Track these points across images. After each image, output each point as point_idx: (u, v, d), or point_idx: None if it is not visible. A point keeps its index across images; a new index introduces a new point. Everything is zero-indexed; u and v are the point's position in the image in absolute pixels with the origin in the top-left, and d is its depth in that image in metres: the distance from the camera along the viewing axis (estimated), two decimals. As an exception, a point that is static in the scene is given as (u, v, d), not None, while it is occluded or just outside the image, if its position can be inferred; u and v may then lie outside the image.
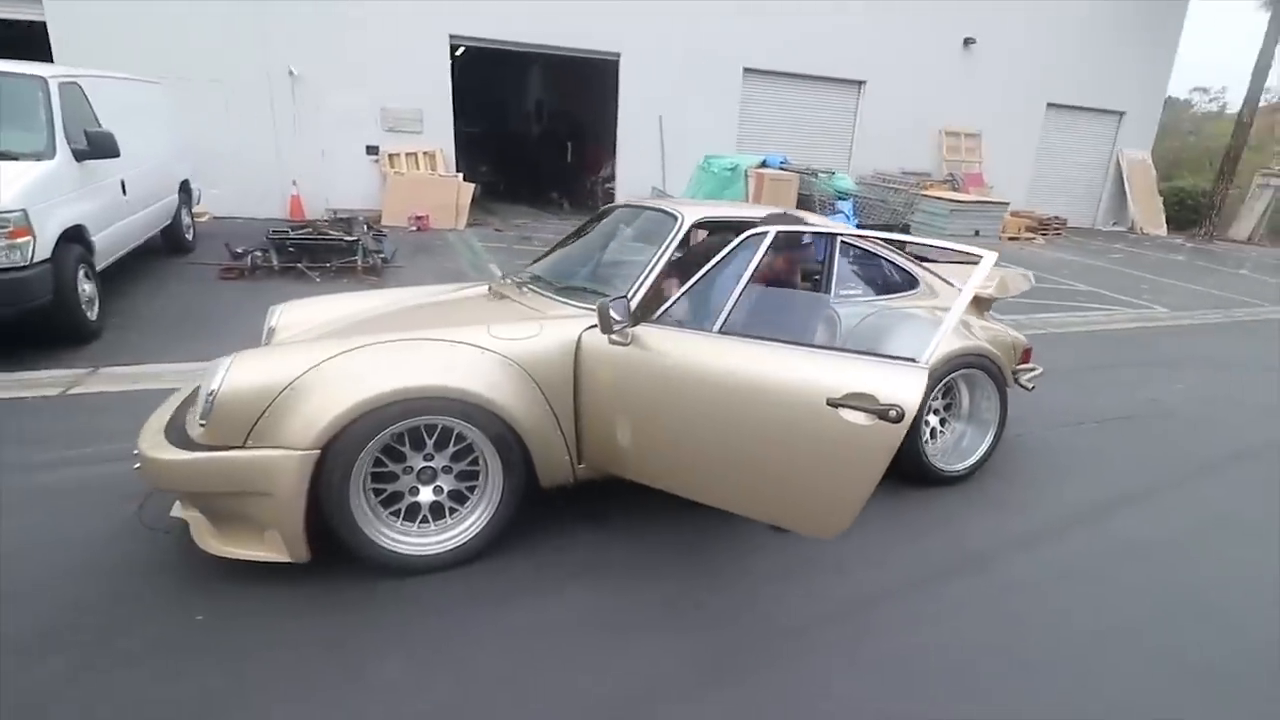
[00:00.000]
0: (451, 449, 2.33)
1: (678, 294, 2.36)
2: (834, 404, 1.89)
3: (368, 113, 10.36)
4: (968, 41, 13.26)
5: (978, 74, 13.51)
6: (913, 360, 1.89)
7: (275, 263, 6.99)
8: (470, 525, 2.37)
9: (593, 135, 14.30)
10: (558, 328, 2.45)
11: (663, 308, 2.35)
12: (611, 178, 12.66)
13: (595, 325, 2.40)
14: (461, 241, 9.50)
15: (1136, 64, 14.58)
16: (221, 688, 1.86)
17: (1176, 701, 2.00)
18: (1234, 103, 15.80)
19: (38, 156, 4.61)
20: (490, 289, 3.25)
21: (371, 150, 10.56)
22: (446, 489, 2.37)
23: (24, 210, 4.18)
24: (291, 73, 9.69)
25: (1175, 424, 4.20)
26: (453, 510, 2.39)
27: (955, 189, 12.12)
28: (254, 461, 2.07)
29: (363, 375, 2.14)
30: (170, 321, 5.40)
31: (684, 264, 2.78)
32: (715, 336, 2.19)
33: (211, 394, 2.06)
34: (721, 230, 2.88)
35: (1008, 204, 10.47)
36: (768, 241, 2.31)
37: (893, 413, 1.80)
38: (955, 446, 3.25)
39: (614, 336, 2.30)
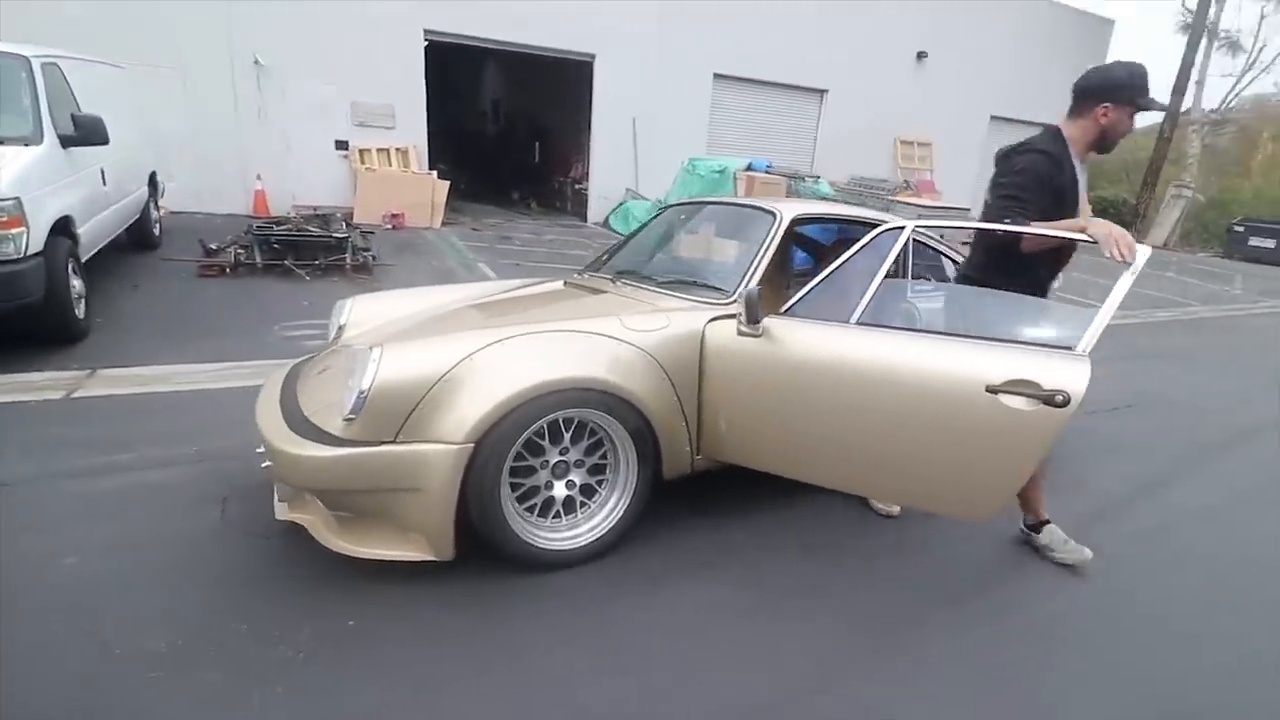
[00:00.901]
0: (585, 442, 2.30)
1: (809, 287, 2.40)
2: (993, 390, 1.98)
3: (337, 106, 9.96)
4: (920, 55, 13.93)
5: (929, 86, 14.20)
6: (1069, 349, 2.01)
7: (258, 259, 6.65)
8: (605, 518, 2.35)
9: (559, 135, 14.22)
10: (684, 319, 2.46)
11: (792, 301, 2.40)
12: (582, 179, 12.63)
13: (719, 317, 2.44)
14: (442, 240, 9.28)
15: (1067, 81, 15.62)
16: (398, 688, 1.78)
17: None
18: (1155, 118, 17.18)
19: (25, 141, 4.24)
20: (567, 283, 3.22)
21: (341, 145, 10.16)
22: (579, 483, 2.33)
23: (18, 199, 3.84)
24: (258, 61, 9.21)
25: (1175, 411, 4.56)
26: (582, 504, 2.36)
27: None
28: (407, 457, 1.99)
29: (515, 367, 2.10)
30: (157, 320, 5.07)
31: (781, 259, 2.85)
32: (854, 328, 2.24)
33: (364, 389, 1.97)
34: (816, 224, 2.96)
35: (969, 209, 11.07)
36: (904, 238, 2.39)
37: (1059, 398, 1.90)
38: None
39: (746, 328, 2.33)
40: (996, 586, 2.45)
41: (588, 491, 2.36)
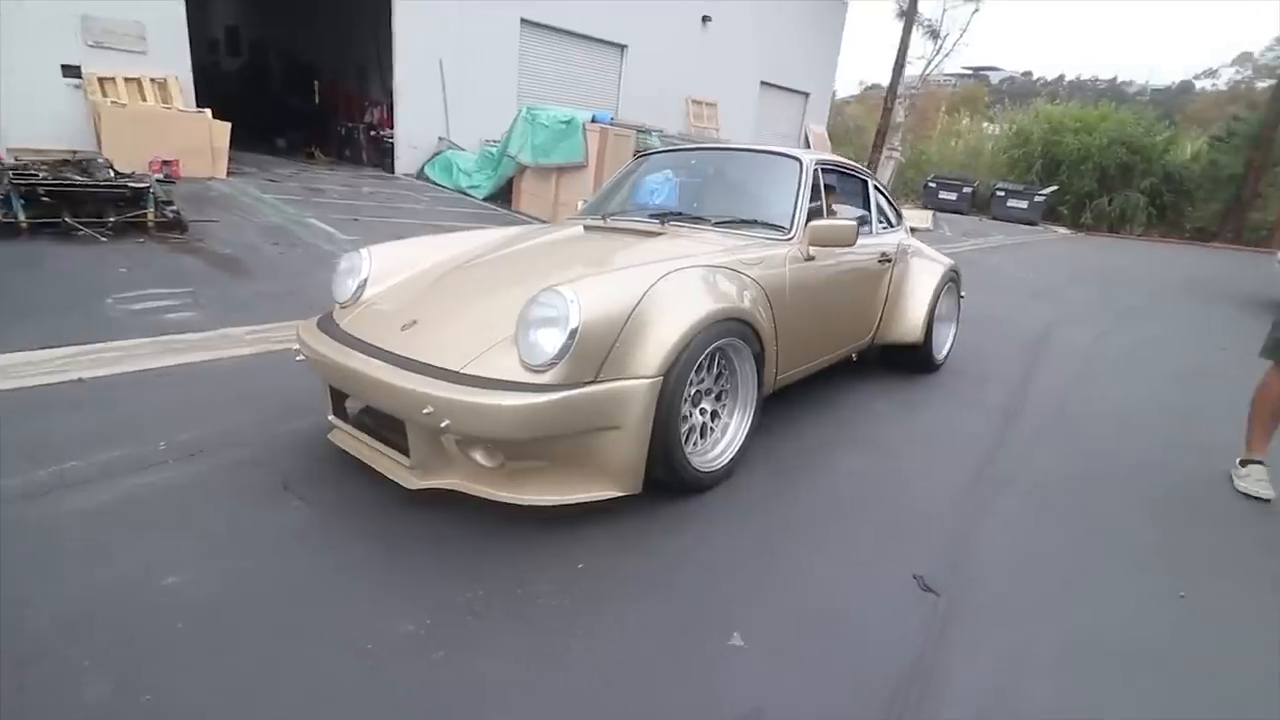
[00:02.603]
0: (714, 370, 2.39)
1: (828, 218, 2.90)
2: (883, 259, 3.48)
3: (63, 21, 7.71)
4: (705, 19, 14.88)
5: (712, 50, 15.28)
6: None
7: (22, 218, 5.09)
8: (732, 440, 2.47)
9: (343, 77, 12.63)
10: (771, 253, 2.64)
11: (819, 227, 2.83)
12: (381, 126, 11.47)
13: (788, 251, 2.70)
14: (241, 193, 7.85)
15: (815, 54, 18.00)
16: (678, 608, 1.78)
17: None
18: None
19: None
20: (588, 228, 3.14)
21: (71, 72, 7.92)
22: (709, 409, 2.42)
23: None
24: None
25: (986, 323, 5.85)
26: (709, 429, 2.45)
27: (708, 151, 13.75)
28: (610, 395, 1.92)
29: (688, 300, 2.12)
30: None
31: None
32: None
33: (572, 331, 1.84)
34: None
35: None
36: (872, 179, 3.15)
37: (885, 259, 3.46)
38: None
39: (807, 256, 2.69)
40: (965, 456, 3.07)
41: (713, 416, 2.46)
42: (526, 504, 1.98)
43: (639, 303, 2.00)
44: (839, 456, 2.85)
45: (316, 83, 12.95)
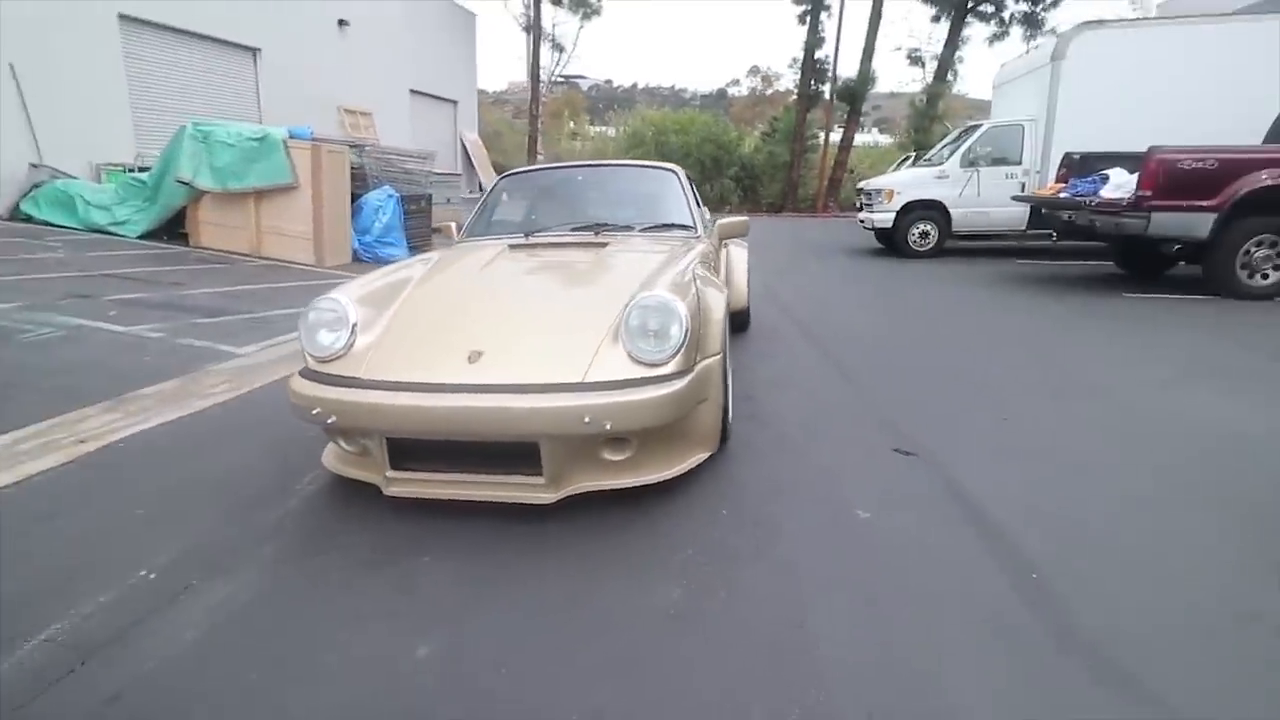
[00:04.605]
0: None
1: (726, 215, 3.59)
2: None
3: None
4: (342, 23, 13.95)
5: (357, 56, 14.43)
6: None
7: None
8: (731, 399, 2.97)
9: None
10: (701, 248, 3.15)
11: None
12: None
13: (706, 247, 3.29)
14: None
15: (456, 62, 18.28)
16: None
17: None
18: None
19: None
20: (514, 246, 3.18)
21: None
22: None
23: None
24: None
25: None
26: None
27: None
28: (703, 372, 2.24)
29: (710, 295, 2.53)
30: None
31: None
32: None
33: (685, 328, 2.11)
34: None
35: (460, 175, 12.29)
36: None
37: None
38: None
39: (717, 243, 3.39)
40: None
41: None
42: (652, 482, 2.20)
43: (699, 297, 2.36)
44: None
45: None
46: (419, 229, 8.66)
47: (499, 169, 20.83)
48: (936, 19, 20.84)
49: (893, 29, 75.95)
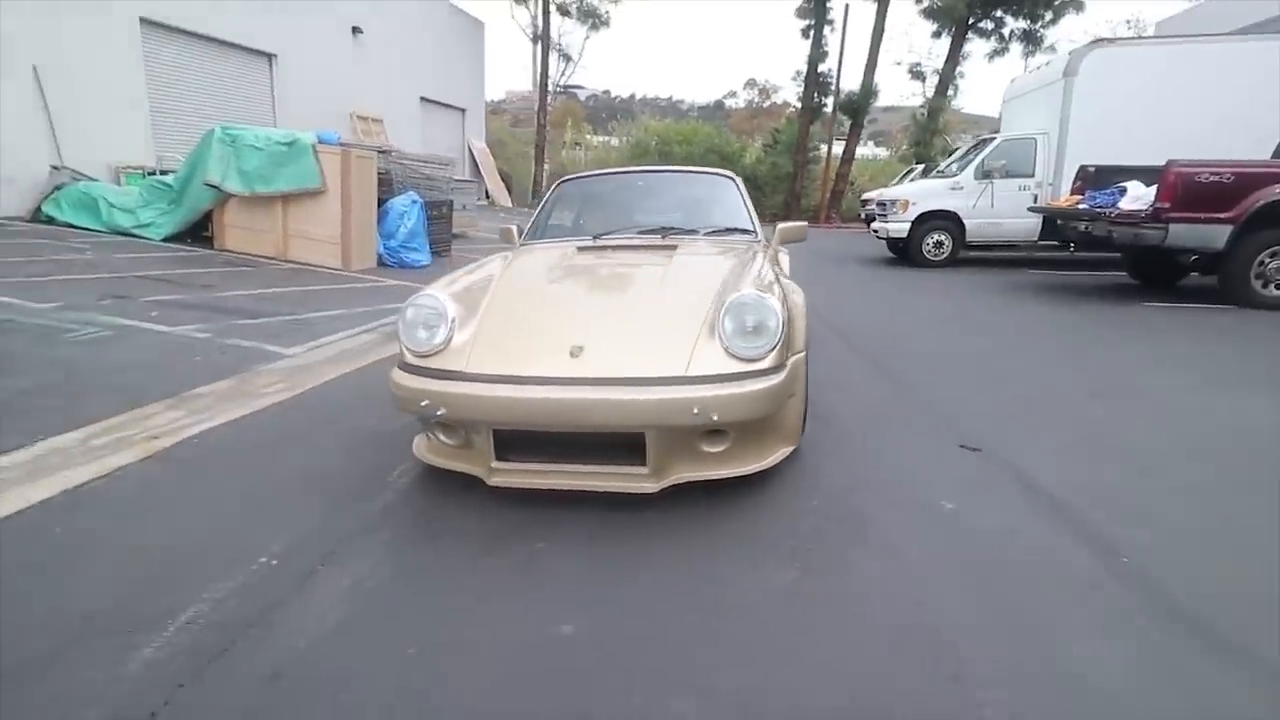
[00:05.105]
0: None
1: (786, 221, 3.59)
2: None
3: None
4: (356, 30, 14.06)
5: (370, 63, 14.54)
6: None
7: None
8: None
9: None
10: (765, 250, 3.24)
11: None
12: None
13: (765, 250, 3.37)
14: None
15: (465, 71, 18.41)
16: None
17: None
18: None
19: None
20: (582, 249, 3.23)
21: None
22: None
23: None
24: None
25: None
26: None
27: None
28: (793, 368, 2.32)
29: (793, 290, 2.61)
30: None
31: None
32: None
33: (781, 325, 2.19)
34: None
35: (474, 182, 12.38)
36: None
37: None
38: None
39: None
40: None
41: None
42: (745, 474, 2.27)
43: (785, 296, 2.44)
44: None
45: None
46: (440, 235, 8.72)
47: (504, 177, 20.98)
48: (938, 35, 21.20)
49: (892, 44, 77.53)
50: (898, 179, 17.57)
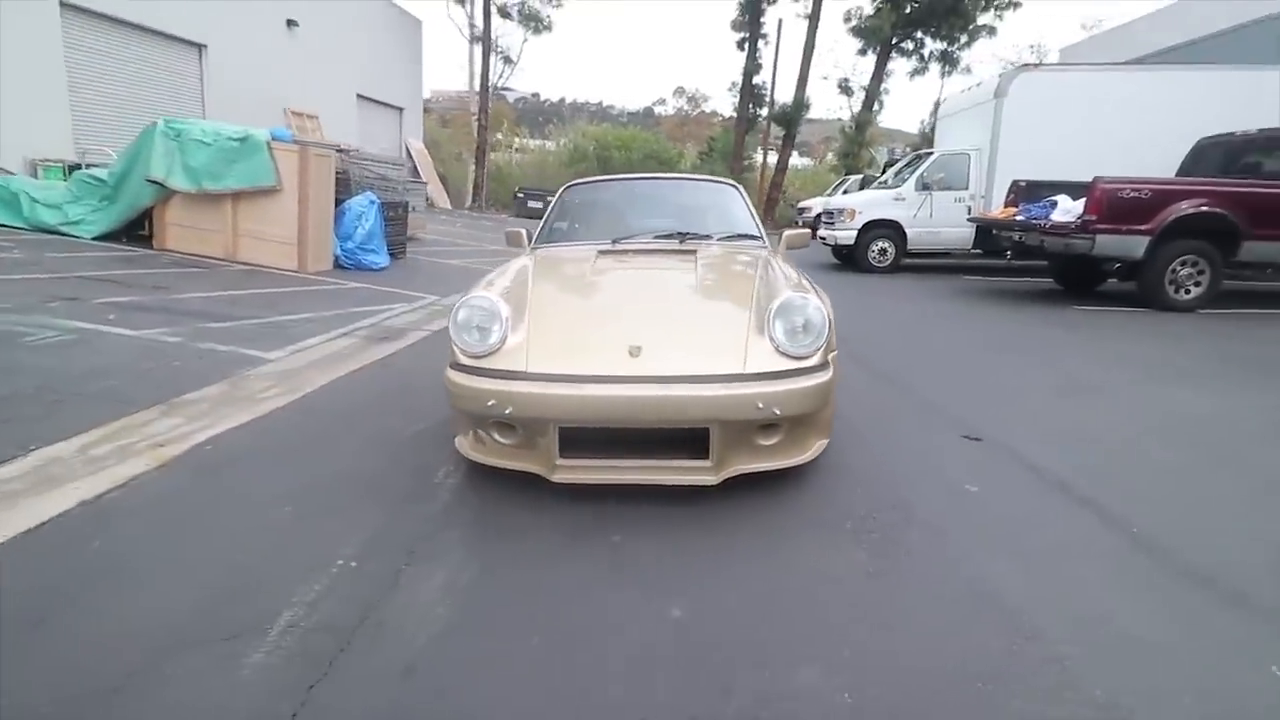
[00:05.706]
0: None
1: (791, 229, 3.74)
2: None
3: None
4: (290, 23, 13.48)
5: (305, 58, 13.95)
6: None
7: None
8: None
9: None
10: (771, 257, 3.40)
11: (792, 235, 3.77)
12: None
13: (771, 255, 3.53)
14: None
15: (403, 70, 17.93)
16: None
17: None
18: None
19: None
20: (603, 253, 3.28)
21: None
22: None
23: None
24: None
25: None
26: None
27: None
28: (834, 365, 2.48)
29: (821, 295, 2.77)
30: None
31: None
32: None
33: (828, 325, 2.34)
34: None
35: (425, 182, 12.08)
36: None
37: None
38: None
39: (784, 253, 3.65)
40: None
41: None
42: (794, 465, 2.40)
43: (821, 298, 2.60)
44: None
45: None
46: (398, 236, 8.51)
47: (442, 179, 20.54)
48: (863, 52, 22.31)
49: (819, 59, 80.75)
50: (831, 189, 18.35)
